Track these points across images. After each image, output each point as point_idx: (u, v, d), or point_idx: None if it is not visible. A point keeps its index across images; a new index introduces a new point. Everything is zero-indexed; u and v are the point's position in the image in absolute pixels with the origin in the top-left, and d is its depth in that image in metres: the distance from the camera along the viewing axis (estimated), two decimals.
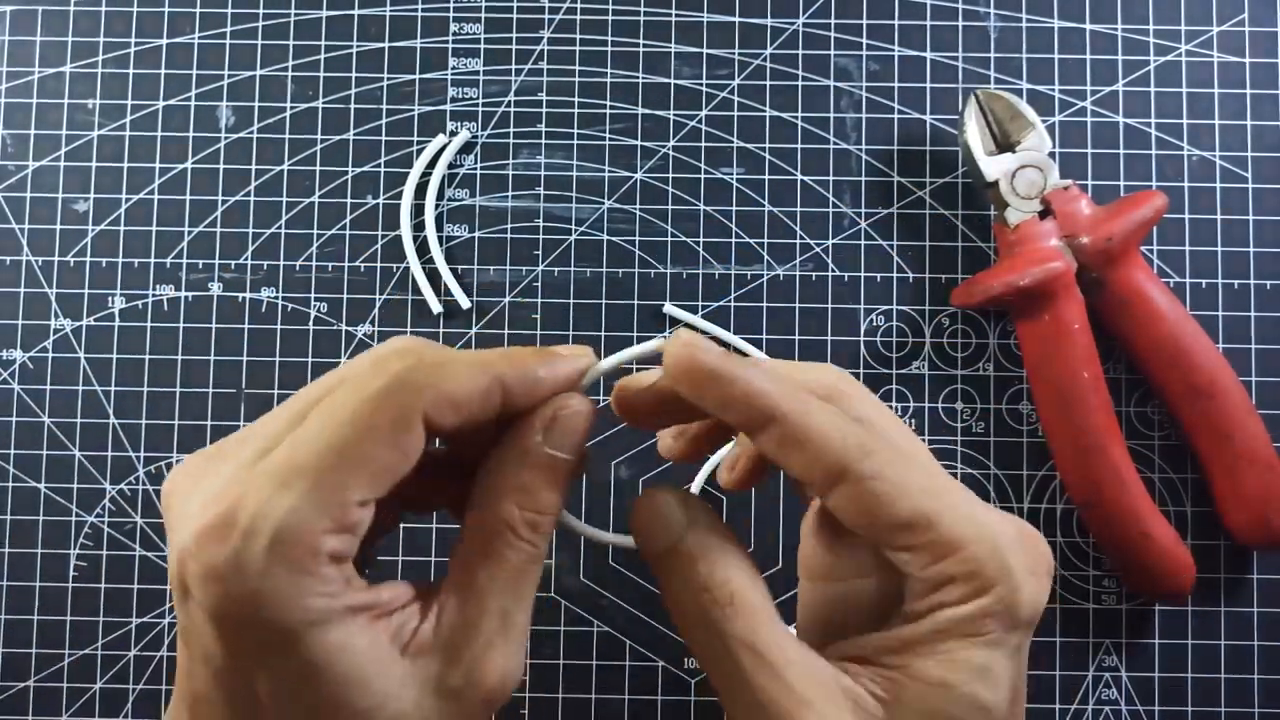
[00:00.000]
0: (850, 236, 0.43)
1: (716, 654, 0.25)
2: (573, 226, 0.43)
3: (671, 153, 0.44)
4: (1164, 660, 0.42)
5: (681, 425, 0.30)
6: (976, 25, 0.44)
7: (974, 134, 0.41)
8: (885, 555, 0.25)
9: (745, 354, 0.43)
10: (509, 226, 0.43)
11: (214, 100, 0.44)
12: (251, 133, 0.44)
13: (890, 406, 0.42)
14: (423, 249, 0.43)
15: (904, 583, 0.26)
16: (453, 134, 0.44)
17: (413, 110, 0.44)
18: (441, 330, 0.43)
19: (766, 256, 0.43)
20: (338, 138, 0.44)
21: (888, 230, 0.43)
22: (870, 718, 0.24)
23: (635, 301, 0.43)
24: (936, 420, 0.43)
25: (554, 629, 0.42)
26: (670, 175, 0.44)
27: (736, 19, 0.44)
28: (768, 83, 0.44)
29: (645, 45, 0.44)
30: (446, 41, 0.44)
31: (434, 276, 0.43)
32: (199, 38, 0.44)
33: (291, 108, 0.44)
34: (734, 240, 0.43)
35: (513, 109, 0.44)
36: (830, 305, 0.43)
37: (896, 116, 0.44)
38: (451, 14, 0.44)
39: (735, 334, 0.43)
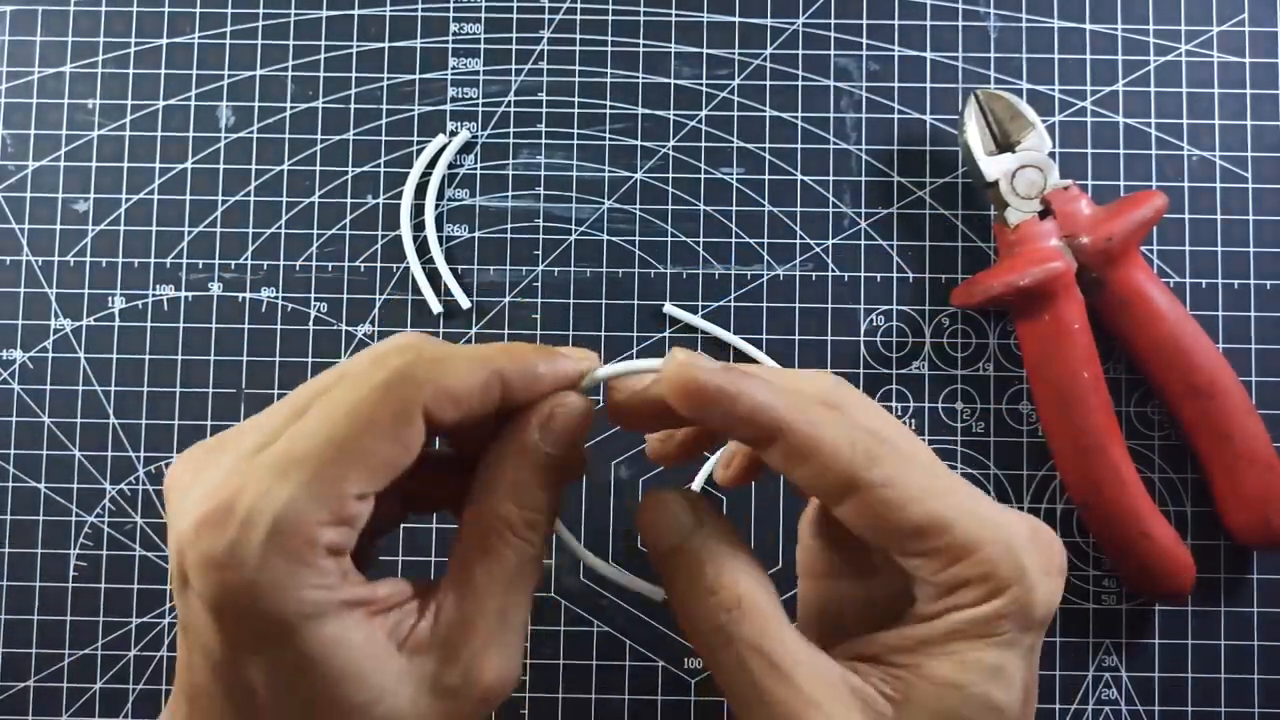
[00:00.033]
0: (850, 236, 0.43)
1: (723, 656, 0.25)
2: (573, 226, 0.43)
3: (671, 153, 0.44)
4: (1164, 660, 0.42)
5: (670, 430, 0.30)
6: (976, 25, 0.44)
7: (974, 134, 0.41)
8: (897, 561, 0.25)
9: (748, 356, 0.43)
10: (509, 226, 0.43)
11: (214, 100, 0.44)
12: (251, 133, 0.44)
13: (890, 406, 0.43)
14: (423, 249, 0.43)
15: (912, 584, 0.25)
16: (453, 134, 0.44)
17: (413, 110, 0.44)
18: (441, 330, 0.43)
19: (766, 256, 0.43)
20: (338, 138, 0.44)
21: (888, 230, 0.43)
22: (880, 718, 0.24)
23: (635, 301, 0.43)
24: (936, 420, 0.43)
25: (554, 629, 0.42)
26: (670, 175, 0.44)
27: (736, 19, 0.44)
28: (768, 83, 0.44)
29: (645, 45, 0.44)
30: (446, 41, 0.44)
31: (434, 276, 0.43)
32: (199, 38, 0.44)
33: (291, 108, 0.44)
34: (734, 240, 0.43)
35: (513, 109, 0.44)
36: (830, 305, 0.43)
37: (896, 116, 0.44)
38: (451, 14, 0.44)
39: (735, 334, 0.43)
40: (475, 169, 0.44)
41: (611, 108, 0.44)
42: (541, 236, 0.43)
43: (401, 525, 0.42)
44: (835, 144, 0.44)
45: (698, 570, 0.26)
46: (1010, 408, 0.43)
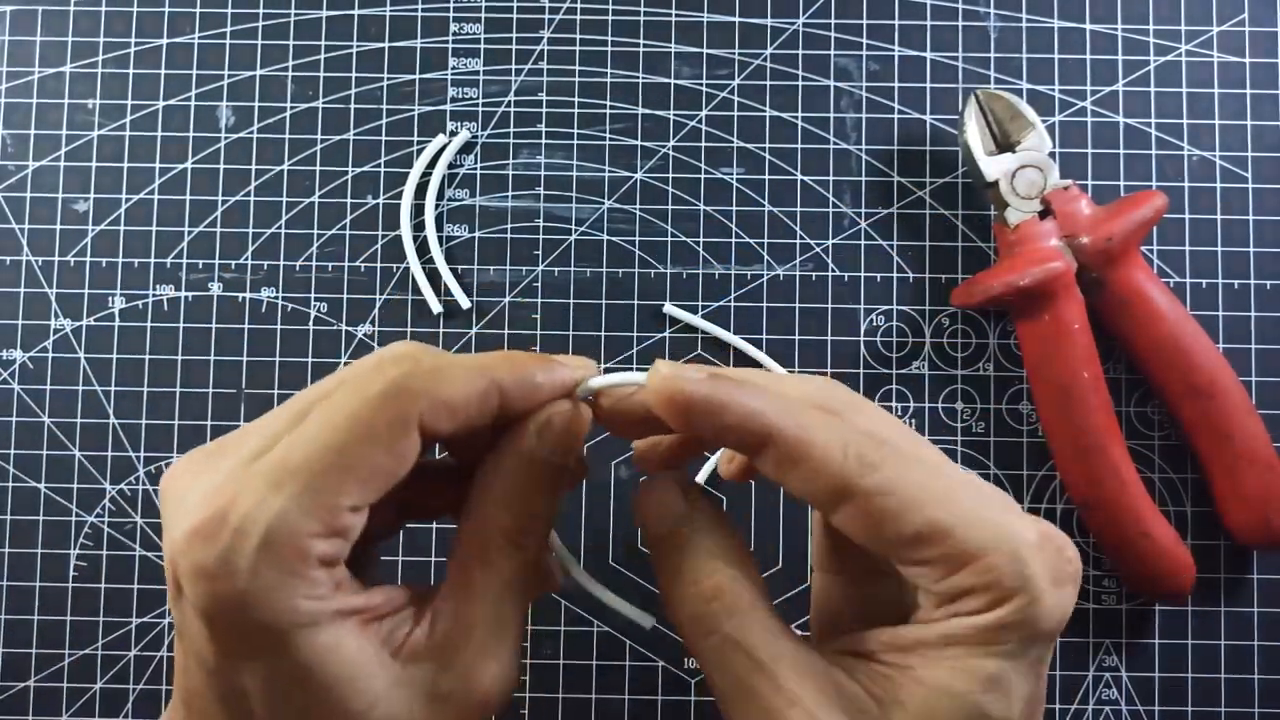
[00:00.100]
0: (850, 236, 0.43)
1: (704, 646, 0.25)
2: (573, 226, 0.43)
3: (671, 153, 0.44)
4: (1164, 660, 0.42)
5: (656, 438, 0.29)
6: (976, 25, 0.44)
7: (974, 134, 0.41)
8: (899, 570, 0.24)
9: (748, 356, 0.43)
10: (509, 226, 0.43)
11: (214, 100, 0.44)
12: (251, 133, 0.44)
13: (890, 406, 0.43)
14: (423, 249, 0.43)
15: (914, 590, 0.25)
16: (453, 134, 0.44)
17: (413, 110, 0.44)
18: (441, 330, 0.43)
19: (766, 256, 0.43)
20: (338, 138, 0.44)
21: (888, 230, 0.43)
22: (863, 716, 0.24)
23: (635, 301, 0.43)
24: (936, 420, 0.43)
25: (554, 629, 0.42)
26: (670, 175, 0.44)
27: (736, 19, 0.44)
28: (768, 83, 0.44)
29: (645, 45, 0.44)
30: (446, 41, 0.44)
31: (434, 276, 0.43)
32: (199, 38, 0.44)
33: (291, 108, 0.44)
34: (734, 240, 0.43)
35: (513, 109, 0.44)
36: (830, 305, 0.43)
37: (896, 116, 0.44)
38: (451, 14, 0.44)
39: (735, 334, 0.43)
40: (475, 169, 0.44)
41: (611, 108, 0.44)
42: (541, 236, 0.43)
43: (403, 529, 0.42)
44: (835, 144, 0.44)
45: (682, 559, 0.26)
46: (1010, 408, 0.43)
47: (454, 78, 0.44)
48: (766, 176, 0.44)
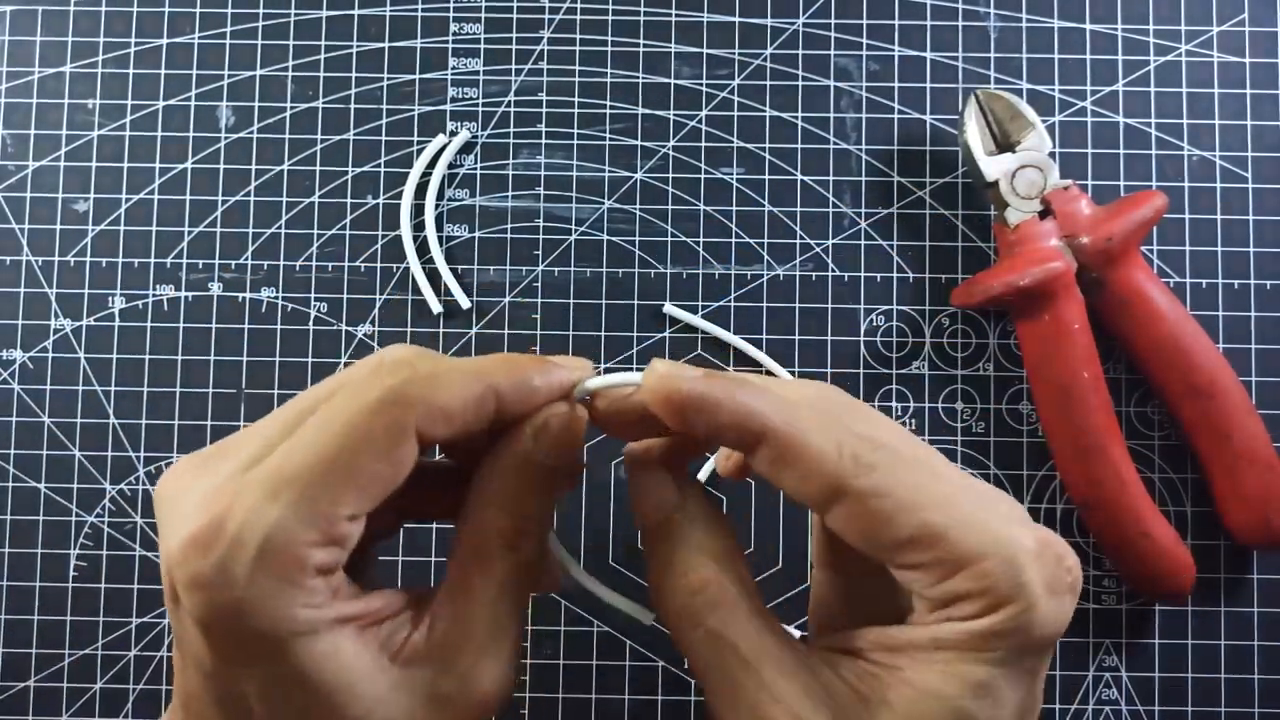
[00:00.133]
0: (850, 236, 0.43)
1: (689, 638, 0.25)
2: (573, 226, 0.43)
3: (671, 153, 0.44)
4: (1164, 660, 0.42)
5: (649, 442, 0.29)
6: (976, 25, 0.44)
7: (974, 134, 0.41)
8: (893, 573, 0.24)
9: (748, 356, 0.43)
10: (509, 226, 0.43)
11: (214, 100, 0.44)
12: (251, 133, 0.44)
13: (890, 406, 0.43)
14: (423, 249, 0.43)
15: (909, 595, 0.25)
16: (453, 134, 0.44)
17: (413, 110, 0.44)
18: (441, 330, 0.43)
19: (766, 256, 0.43)
20: (338, 138, 0.44)
21: (888, 230, 0.43)
22: (848, 715, 0.24)
23: (635, 301, 0.43)
24: (936, 420, 0.43)
25: (554, 629, 0.42)
26: (670, 175, 0.44)
27: (736, 19, 0.44)
28: (768, 83, 0.44)
29: (645, 45, 0.44)
30: (446, 41, 0.44)
31: (434, 276, 0.43)
32: (199, 38, 0.44)
33: (291, 108, 0.44)
34: (734, 240, 0.43)
35: (513, 109, 0.44)
36: (830, 305, 0.43)
37: (896, 116, 0.44)
38: (451, 14, 0.44)
39: (735, 334, 0.43)
40: (475, 169, 0.44)
41: (611, 108, 0.44)
42: (541, 236, 0.43)
43: (402, 528, 0.42)
44: (835, 144, 0.44)
45: (672, 550, 0.26)
46: (1010, 408, 0.43)
47: (454, 78, 0.44)
48: (766, 176, 0.44)
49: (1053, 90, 0.44)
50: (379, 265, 0.43)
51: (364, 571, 0.27)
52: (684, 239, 0.43)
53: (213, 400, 0.43)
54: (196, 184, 0.44)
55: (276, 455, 0.23)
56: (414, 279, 0.43)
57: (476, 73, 0.44)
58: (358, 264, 0.43)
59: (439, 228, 0.43)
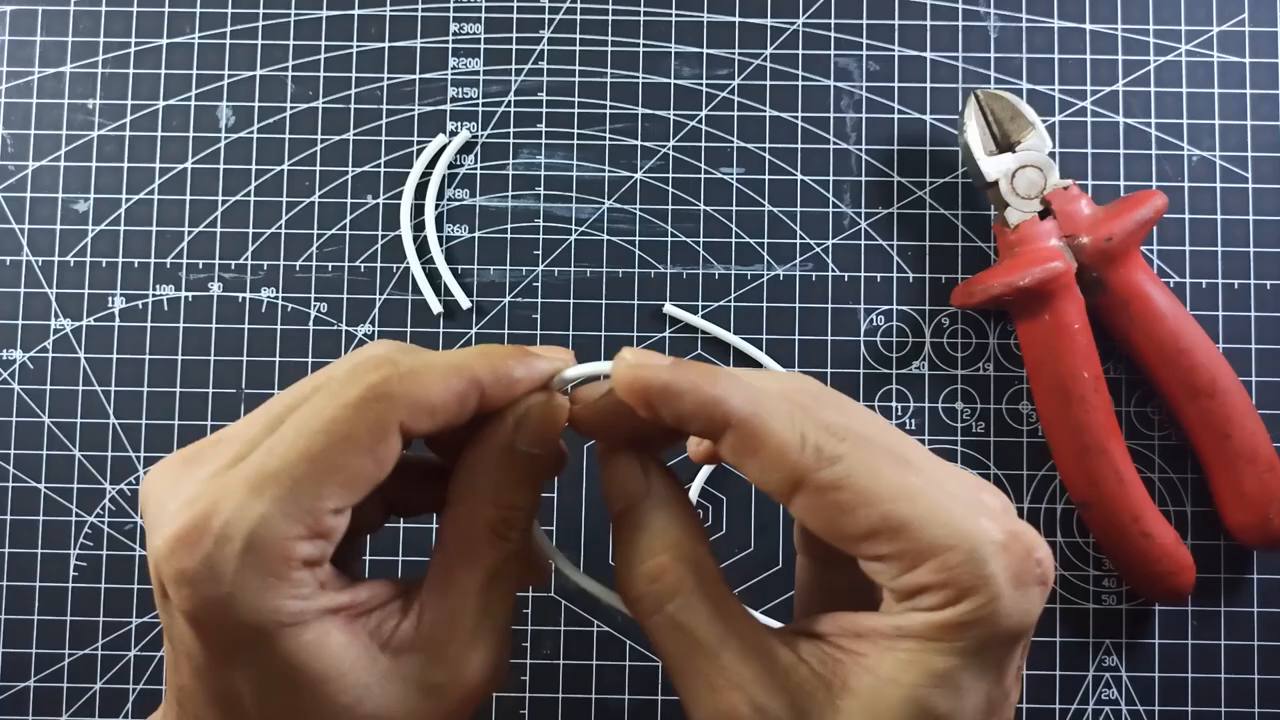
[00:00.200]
0: (850, 236, 0.43)
1: (649, 625, 0.26)
2: (573, 226, 0.43)
3: (671, 153, 0.44)
4: (1164, 660, 0.42)
5: (593, 391, 0.28)
6: (976, 25, 0.44)
7: (974, 134, 0.41)
8: (860, 565, 0.24)
9: (748, 356, 0.43)
10: (509, 226, 0.43)
11: (214, 100, 0.44)
12: (251, 133, 0.44)
13: (890, 406, 0.43)
14: (423, 249, 0.43)
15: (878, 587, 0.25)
16: (453, 134, 0.44)
17: (413, 110, 0.44)
18: (441, 330, 0.43)
19: (766, 256, 0.43)
20: (338, 138, 0.44)
21: (888, 230, 0.43)
22: (807, 699, 0.24)
23: (635, 301, 0.43)
24: (936, 420, 0.43)
25: (554, 629, 0.42)
26: (670, 175, 0.44)
27: (736, 19, 0.44)
28: (768, 83, 0.44)
29: (645, 45, 0.44)
30: (446, 41, 0.44)
31: (434, 276, 0.43)
32: (199, 38, 0.44)
33: (291, 108, 0.44)
34: (734, 240, 0.43)
35: (513, 109, 0.44)
36: (830, 305, 0.43)
37: (896, 116, 0.44)
38: (451, 14, 0.44)
39: (735, 334, 0.43)
40: (475, 169, 0.44)
41: (611, 108, 0.44)
42: (541, 236, 0.43)
43: (402, 525, 0.42)
44: (835, 144, 0.44)
45: (631, 538, 0.26)
46: (1010, 408, 0.43)
47: (454, 78, 0.44)
48: (766, 176, 0.44)
49: (1053, 90, 0.44)
50: (379, 265, 0.43)
51: (349, 564, 0.28)
52: (684, 239, 0.43)
53: (213, 400, 0.43)
54: (196, 184, 0.44)
55: (260, 452, 0.23)
56: (414, 279, 0.43)
57: (476, 73, 0.44)
58: (358, 264, 0.43)
59: (439, 228, 0.43)
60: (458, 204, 0.44)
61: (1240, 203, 0.43)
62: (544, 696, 0.41)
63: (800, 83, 0.44)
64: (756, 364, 0.43)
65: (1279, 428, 0.41)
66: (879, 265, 0.43)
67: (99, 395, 0.43)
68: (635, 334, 0.43)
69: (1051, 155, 0.41)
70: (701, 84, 0.44)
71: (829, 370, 0.43)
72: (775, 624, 0.27)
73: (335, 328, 0.43)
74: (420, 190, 0.43)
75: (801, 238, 0.43)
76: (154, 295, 0.43)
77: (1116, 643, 0.42)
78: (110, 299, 0.43)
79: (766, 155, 0.44)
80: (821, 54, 0.44)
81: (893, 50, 0.44)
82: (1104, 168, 0.43)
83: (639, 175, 0.44)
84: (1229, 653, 0.42)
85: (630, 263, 0.43)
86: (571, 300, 0.43)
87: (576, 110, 0.44)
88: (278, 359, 0.43)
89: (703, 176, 0.44)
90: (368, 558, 0.42)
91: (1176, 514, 0.42)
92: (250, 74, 0.44)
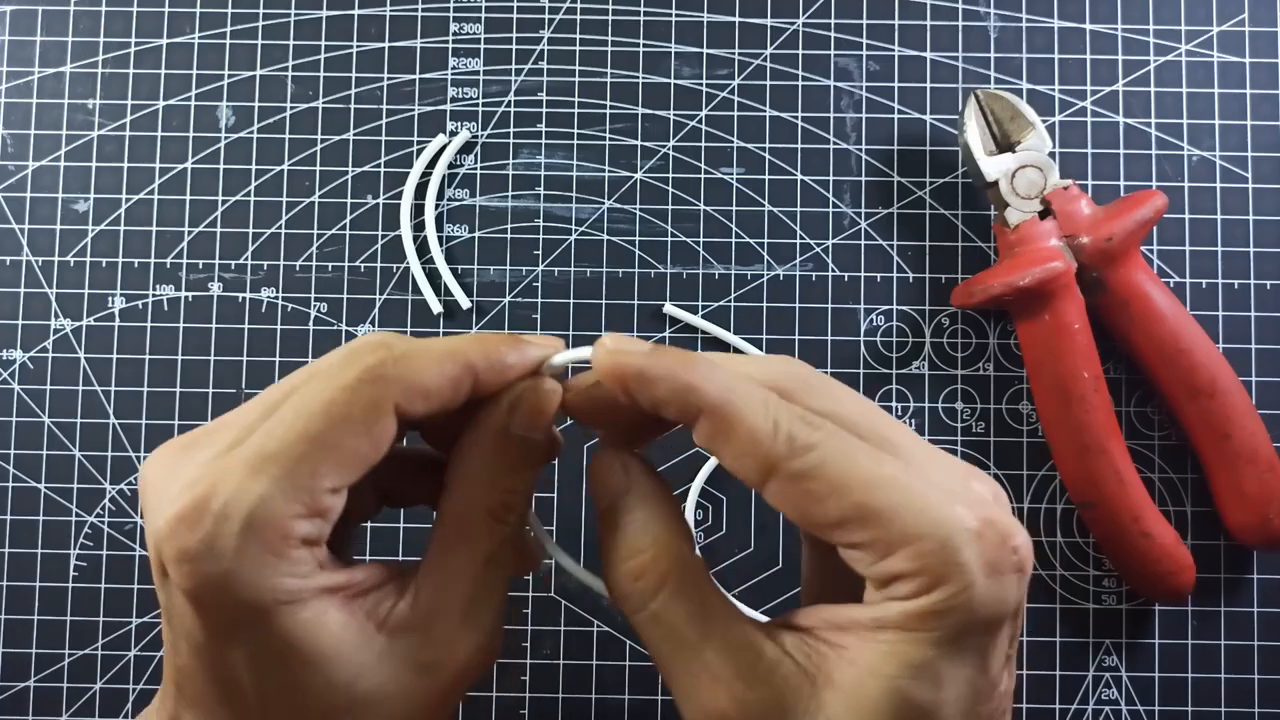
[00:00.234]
0: (850, 236, 0.43)
1: (634, 621, 0.26)
2: (573, 226, 0.43)
3: (671, 153, 0.44)
4: (1164, 660, 0.42)
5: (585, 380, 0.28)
6: (976, 25, 0.44)
7: (974, 134, 0.41)
8: (840, 553, 0.24)
9: (746, 355, 0.43)
10: (509, 226, 0.43)
11: (214, 100, 0.44)
12: (251, 133, 0.44)
13: (890, 406, 0.43)
14: (423, 249, 0.43)
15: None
16: (453, 134, 0.44)
17: (413, 110, 0.44)
18: (442, 330, 0.43)
19: (766, 256, 0.43)
20: (338, 138, 0.44)
21: (888, 230, 0.43)
22: (792, 694, 0.24)
23: (635, 301, 0.43)
24: (936, 420, 0.43)
25: (554, 629, 0.42)
26: (670, 175, 0.44)
27: (736, 19, 0.44)
28: (768, 83, 0.44)
29: (645, 45, 0.44)
30: (446, 41, 0.44)
31: (434, 276, 0.43)
32: (199, 38, 0.44)
33: (291, 108, 0.44)
34: (734, 240, 0.43)
35: (513, 109, 0.44)
36: (830, 305, 0.43)
37: (896, 116, 0.44)
38: (451, 14, 0.44)
39: (735, 334, 0.43)
40: (475, 169, 0.44)
41: (611, 108, 0.44)
42: (541, 236, 0.43)
43: (401, 527, 0.42)
44: (835, 144, 0.44)
45: (613, 535, 0.26)
46: (1010, 408, 0.43)
47: (454, 78, 0.44)
48: (766, 176, 0.44)
49: (1053, 90, 0.44)
50: (379, 265, 0.43)
51: (344, 551, 0.28)
52: (684, 239, 0.43)
53: (213, 400, 0.43)
54: (196, 184, 0.44)
55: (258, 435, 0.24)
56: (414, 279, 0.43)
57: (476, 73, 0.44)
58: (358, 264, 0.43)
59: (439, 228, 0.43)
60: (458, 204, 0.44)
61: (1240, 203, 0.43)
62: (544, 696, 0.41)
63: (800, 83, 0.44)
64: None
65: (1279, 428, 0.41)
66: (879, 265, 0.43)
67: (99, 395, 0.43)
68: (635, 334, 0.43)
69: (1051, 155, 0.41)
70: (701, 84, 0.44)
71: (829, 370, 0.43)
72: (762, 618, 0.27)
73: (335, 328, 0.43)
74: (420, 190, 0.43)
75: (801, 238, 0.43)
76: (154, 295, 0.43)
77: (1116, 643, 0.42)
78: (110, 299, 0.43)
79: (766, 155, 0.44)
80: (821, 54, 0.44)
81: (893, 50, 0.44)
82: (1104, 168, 0.43)
83: (639, 175, 0.44)
84: (1229, 653, 0.42)
85: (630, 263, 0.43)
86: (571, 300, 0.43)
87: (576, 110, 0.44)
88: (278, 359, 0.43)
89: (703, 176, 0.44)
90: (368, 558, 0.42)
91: (1176, 514, 0.42)
92: (250, 74, 0.44)
